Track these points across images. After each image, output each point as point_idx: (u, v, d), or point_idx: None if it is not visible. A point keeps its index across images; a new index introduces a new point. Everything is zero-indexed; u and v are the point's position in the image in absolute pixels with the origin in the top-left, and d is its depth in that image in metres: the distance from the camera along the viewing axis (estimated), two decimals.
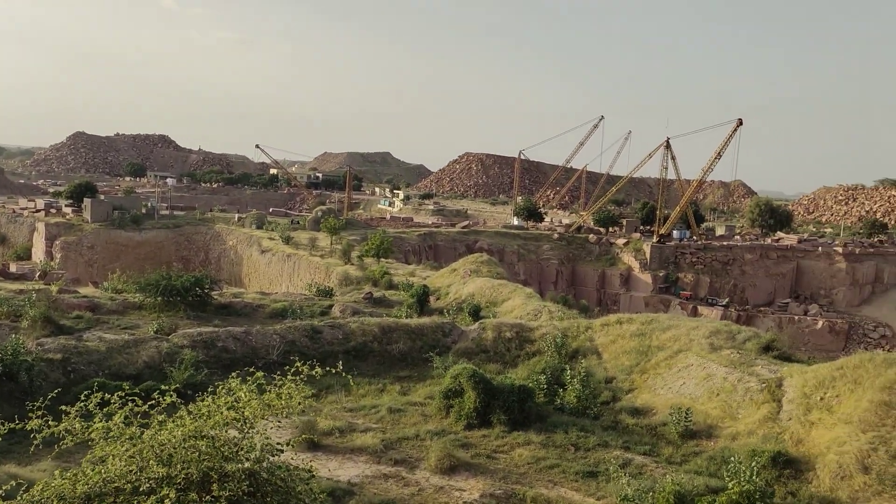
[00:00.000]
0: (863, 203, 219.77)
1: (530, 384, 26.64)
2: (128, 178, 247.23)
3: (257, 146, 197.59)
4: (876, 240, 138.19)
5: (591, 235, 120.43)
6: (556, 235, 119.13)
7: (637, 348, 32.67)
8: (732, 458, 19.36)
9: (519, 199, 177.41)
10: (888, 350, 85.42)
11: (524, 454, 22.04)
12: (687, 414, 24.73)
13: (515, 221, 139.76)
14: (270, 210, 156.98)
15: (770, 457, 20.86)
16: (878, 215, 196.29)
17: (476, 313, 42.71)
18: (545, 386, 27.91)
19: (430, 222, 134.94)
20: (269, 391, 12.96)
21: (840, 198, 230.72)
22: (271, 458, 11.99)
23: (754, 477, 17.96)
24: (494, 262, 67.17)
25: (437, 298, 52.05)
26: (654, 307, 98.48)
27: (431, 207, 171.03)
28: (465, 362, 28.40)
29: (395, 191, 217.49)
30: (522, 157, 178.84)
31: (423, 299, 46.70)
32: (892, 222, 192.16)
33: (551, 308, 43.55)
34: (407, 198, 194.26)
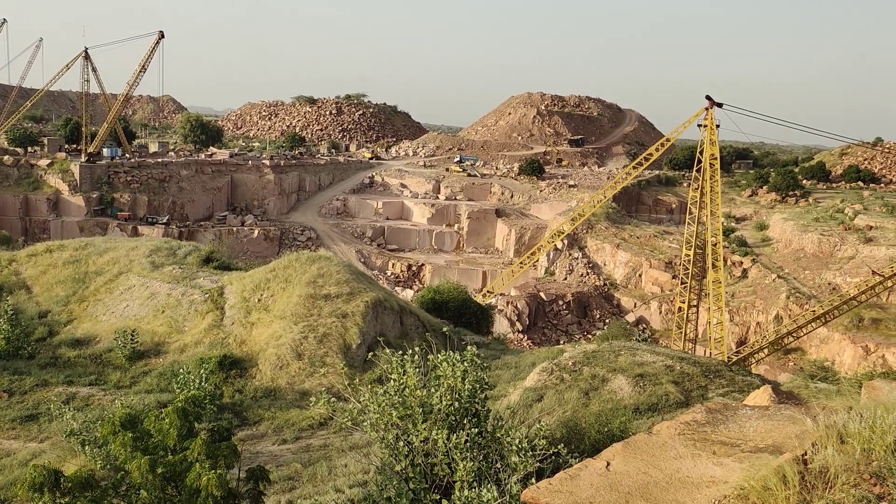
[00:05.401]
0: (283, 118, 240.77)
1: None
2: None
3: None
4: (297, 152, 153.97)
5: (6, 157, 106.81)
6: None
7: (73, 276, 30.64)
8: (182, 370, 19.82)
9: None
10: (313, 250, 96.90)
11: None
12: (133, 336, 24.37)
13: None
14: None
15: (217, 361, 22.02)
16: (297, 129, 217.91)
17: None
18: None
19: None
20: None
21: (264, 113, 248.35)
22: None
23: (203, 383, 18.73)
24: None
25: None
26: (90, 231, 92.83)
27: None
28: None
29: None
30: None
31: None
32: (309, 136, 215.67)
33: None
34: None
